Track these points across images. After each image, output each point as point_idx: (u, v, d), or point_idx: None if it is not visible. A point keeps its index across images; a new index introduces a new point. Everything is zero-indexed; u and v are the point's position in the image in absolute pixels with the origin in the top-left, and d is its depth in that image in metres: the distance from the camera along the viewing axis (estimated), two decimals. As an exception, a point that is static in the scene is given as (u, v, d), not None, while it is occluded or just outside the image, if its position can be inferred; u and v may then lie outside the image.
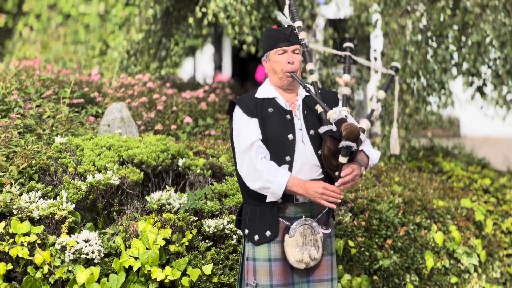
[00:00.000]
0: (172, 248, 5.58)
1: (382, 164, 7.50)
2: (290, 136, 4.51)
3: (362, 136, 4.64)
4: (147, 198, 5.90)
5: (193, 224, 5.71)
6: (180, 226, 5.67)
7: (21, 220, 5.60)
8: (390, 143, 5.06)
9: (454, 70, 7.93)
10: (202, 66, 21.57)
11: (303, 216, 4.56)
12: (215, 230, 5.68)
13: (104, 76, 10.27)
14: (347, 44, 5.00)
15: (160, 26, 9.77)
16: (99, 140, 6.47)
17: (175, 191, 6.17)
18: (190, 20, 8.91)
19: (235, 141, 4.58)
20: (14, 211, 5.64)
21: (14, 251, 5.45)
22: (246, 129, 4.52)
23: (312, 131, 4.56)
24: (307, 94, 4.67)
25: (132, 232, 5.68)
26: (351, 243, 6.09)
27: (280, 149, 4.51)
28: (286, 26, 4.75)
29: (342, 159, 4.40)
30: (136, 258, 5.52)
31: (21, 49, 13.56)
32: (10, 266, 5.46)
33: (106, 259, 5.55)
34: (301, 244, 4.52)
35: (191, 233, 5.66)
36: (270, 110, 4.56)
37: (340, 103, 4.76)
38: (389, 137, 7.43)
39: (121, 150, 6.34)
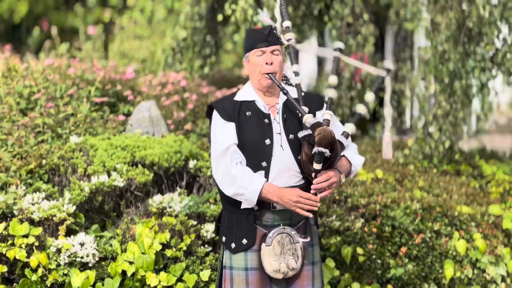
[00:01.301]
0: (169, 252, 5.46)
1: (412, 167, 7.20)
2: (267, 141, 4.33)
3: (345, 141, 4.44)
4: (150, 201, 5.80)
5: (192, 229, 5.58)
6: (179, 230, 5.55)
7: (22, 221, 5.58)
8: (382, 147, 4.79)
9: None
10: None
11: (281, 224, 4.38)
12: (213, 235, 5.54)
13: (155, 73, 10.22)
14: (337, 44, 4.77)
15: (205, 23, 9.66)
16: (115, 140, 6.40)
17: (188, 194, 6.06)
18: (219, 17, 8.77)
19: (211, 145, 4.43)
20: (16, 212, 5.62)
21: (11, 253, 5.41)
22: (222, 133, 4.37)
23: (291, 136, 4.36)
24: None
25: (131, 235, 5.59)
26: (359, 250, 5.85)
27: (256, 154, 4.33)
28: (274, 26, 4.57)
29: (316, 166, 4.20)
30: (131, 263, 5.42)
31: (122, 43, 13.41)
32: (4, 268, 5.43)
33: (103, 263, 5.47)
34: (278, 253, 4.34)
35: (189, 237, 5.53)
36: (248, 113, 4.39)
37: (325, 106, 4.55)
38: (424, 139, 7.17)
39: (136, 151, 6.25)
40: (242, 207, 4.32)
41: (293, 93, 4.50)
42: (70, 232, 5.66)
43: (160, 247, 5.44)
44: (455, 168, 7.62)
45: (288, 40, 4.70)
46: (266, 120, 4.37)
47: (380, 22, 8.97)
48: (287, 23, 4.79)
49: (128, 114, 7.68)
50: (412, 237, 6.08)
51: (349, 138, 4.55)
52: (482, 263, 6.30)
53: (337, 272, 5.77)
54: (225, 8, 8.24)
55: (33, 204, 5.66)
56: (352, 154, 4.47)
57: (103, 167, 6.08)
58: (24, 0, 18.71)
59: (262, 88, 4.43)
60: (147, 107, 7.19)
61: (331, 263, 5.77)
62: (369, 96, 4.62)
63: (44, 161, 6.10)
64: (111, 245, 5.52)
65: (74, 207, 5.68)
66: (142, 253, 5.44)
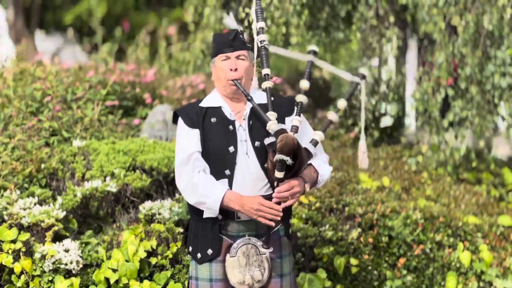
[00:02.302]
0: (154, 260, 5.37)
1: (425, 175, 6.97)
2: (231, 148, 4.20)
3: (313, 149, 4.27)
4: (140, 207, 5.72)
5: (180, 236, 5.48)
6: (166, 238, 5.45)
7: (12, 226, 5.56)
8: (358, 156, 4.62)
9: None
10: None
11: (247, 235, 4.24)
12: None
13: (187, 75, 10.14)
14: (311, 47, 4.60)
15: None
16: (118, 145, 6.35)
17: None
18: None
19: (175, 153, 4.33)
20: (6, 217, 5.60)
21: (-2, 259, 5.41)
22: (185, 140, 4.25)
23: (257, 143, 4.22)
24: (259, 102, 4.34)
25: (118, 242, 5.51)
26: (353, 261, 5.66)
27: (220, 162, 4.20)
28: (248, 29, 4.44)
29: (278, 174, 4.04)
30: (115, 270, 5.35)
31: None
32: (-13, 273, 5.42)
33: (89, 270, 5.41)
34: (243, 265, 4.20)
35: (176, 245, 5.43)
36: (213, 120, 4.27)
37: (295, 111, 4.39)
38: (440, 147, 6.93)
39: (138, 155, 6.18)
40: (204, 216, 4.19)
41: (264, 97, 4.37)
42: (61, 238, 5.61)
43: (145, 254, 5.35)
44: (475, 176, 7.35)
45: (261, 42, 4.55)
46: (231, 127, 4.24)
47: (406, 25, 8.72)
48: (261, 24, 4.64)
49: (145, 118, 7.64)
50: (411, 248, 5.87)
51: (320, 146, 4.38)
52: (488, 275, 6.05)
53: (328, 283, 5.60)
54: (239, 12, 8.14)
55: (24, 209, 5.63)
56: (320, 163, 4.30)
57: (101, 172, 6.03)
58: (103, 1, 18.84)
59: (228, 94, 4.30)
60: (162, 111, 7.14)
61: (322, 274, 5.59)
62: (341, 103, 4.45)
63: (43, 165, 6.07)
64: (96, 252, 5.45)
65: (64, 212, 5.63)
66: (126, 260, 5.35)
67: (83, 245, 5.51)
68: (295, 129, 4.26)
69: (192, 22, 9.89)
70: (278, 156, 3.99)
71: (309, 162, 4.26)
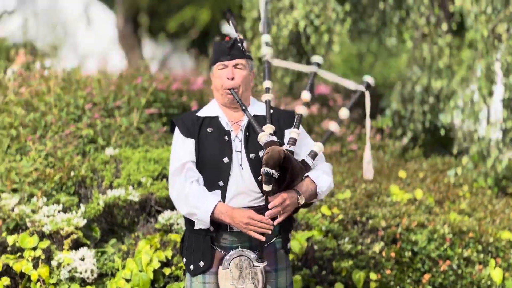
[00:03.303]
0: (167, 271, 5.33)
1: (465, 187, 6.72)
2: (226, 159, 4.13)
3: (311, 161, 4.17)
4: (159, 216, 5.69)
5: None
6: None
7: (33, 233, 5.60)
8: (363, 166, 4.47)
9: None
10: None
11: (240, 247, 4.16)
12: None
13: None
14: (315, 58, 4.49)
15: (288, 31, 9.38)
16: (151, 153, 6.35)
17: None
18: (274, 29, 8.54)
19: (170, 162, 4.29)
20: (29, 225, 5.66)
21: (18, 266, 5.44)
22: (180, 150, 4.22)
23: (252, 155, 4.14)
24: (257, 113, 4.26)
25: (135, 252, 5.50)
26: (373, 275, 5.48)
27: (214, 173, 4.14)
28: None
29: (265, 187, 3.95)
30: (128, 280, 5.33)
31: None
32: (7, 280, 5.46)
33: (105, 279, 5.40)
34: (236, 277, 4.12)
35: (191, 256, 5.36)
36: (209, 130, 4.21)
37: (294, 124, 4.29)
38: (479, 158, 6.69)
39: (168, 164, 6.16)
40: (195, 227, 4.15)
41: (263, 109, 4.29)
42: (83, 246, 5.63)
43: (158, 264, 5.31)
44: (524, 189, 7.06)
45: (264, 55, 4.49)
46: (226, 137, 4.18)
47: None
48: (266, 38, 4.56)
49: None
50: (437, 264, 5.65)
51: (322, 156, 4.27)
52: (521, 294, 5.78)
53: (347, 298, 5.46)
54: (280, 19, 8.05)
55: (48, 217, 5.67)
56: (319, 174, 4.18)
57: (128, 180, 6.04)
58: (206, 8, 18.99)
59: (225, 104, 4.23)
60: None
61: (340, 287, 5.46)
62: (344, 113, 4.33)
63: (72, 173, 6.11)
64: (112, 261, 5.45)
65: (85, 221, 5.64)
66: (140, 270, 5.32)
67: (99, 254, 5.51)
68: (293, 141, 4.17)
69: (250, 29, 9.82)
70: (264, 169, 3.90)
71: (306, 174, 4.15)
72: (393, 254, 5.59)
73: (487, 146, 6.82)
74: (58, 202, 5.87)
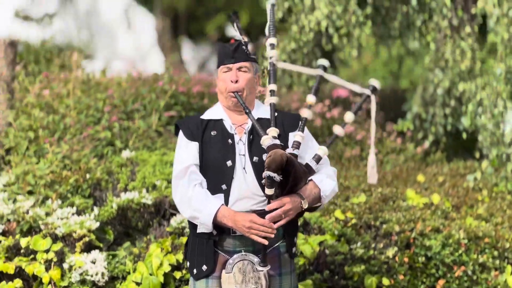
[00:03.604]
0: (178, 274, 5.31)
1: (484, 192, 6.61)
2: (229, 163, 4.10)
3: (315, 165, 4.12)
4: (172, 220, 5.68)
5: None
6: (194, 251, 5.38)
7: (46, 236, 5.62)
8: (367, 171, 4.40)
9: None
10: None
11: (243, 251, 4.12)
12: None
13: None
14: (321, 61, 4.44)
15: (313, 34, 9.32)
16: (167, 156, 6.35)
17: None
18: (295, 28, 8.48)
19: (173, 165, 4.27)
20: (42, 227, 5.68)
21: (30, 268, 5.46)
22: (183, 153, 4.19)
23: (256, 158, 4.10)
24: (261, 117, 4.23)
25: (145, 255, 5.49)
26: (385, 281, 5.42)
27: (217, 176, 4.11)
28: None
29: (267, 191, 3.91)
30: (139, 283, 5.32)
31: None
32: (19, 283, 5.48)
33: (116, 282, 5.40)
34: (240, 281, 4.08)
35: (203, 259, 5.34)
36: (213, 133, 4.18)
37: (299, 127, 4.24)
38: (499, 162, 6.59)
39: (187, 166, 6.14)
40: (198, 231, 4.11)
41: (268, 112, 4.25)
42: (95, 249, 5.64)
43: (169, 268, 5.30)
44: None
45: (270, 58, 4.44)
46: (230, 141, 4.14)
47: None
48: (272, 40, 4.52)
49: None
50: (452, 270, 5.57)
51: (326, 160, 4.22)
52: (539, 300, 5.67)
53: (359, 303, 5.40)
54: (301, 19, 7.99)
55: (61, 219, 5.69)
56: (323, 178, 4.13)
57: (143, 183, 6.04)
58: (245, 11, 18.95)
59: (229, 107, 4.20)
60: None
61: (352, 292, 5.41)
62: (349, 116, 4.27)
63: (88, 175, 6.13)
64: (123, 264, 5.44)
65: (97, 223, 5.65)
66: (151, 274, 5.31)
67: (110, 257, 5.51)
68: (297, 145, 4.13)
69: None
70: (265, 173, 3.87)
71: (310, 177, 4.10)
72: (406, 259, 5.53)
73: (507, 150, 6.71)
74: (72, 204, 5.88)
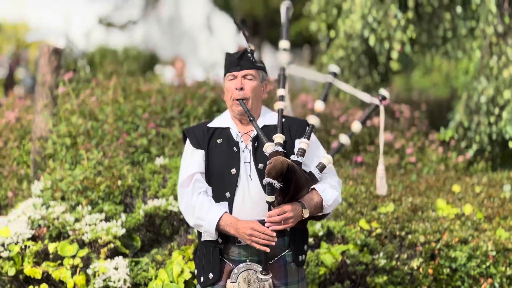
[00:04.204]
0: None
1: (520, 202, 6.43)
2: (233, 170, 4.10)
3: (318, 173, 4.09)
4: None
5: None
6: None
7: (74, 242, 5.69)
8: (376, 182, 4.33)
9: None
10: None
11: (248, 260, 4.11)
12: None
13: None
14: (332, 68, 4.40)
15: (359, 41, 9.21)
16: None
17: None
18: (332, 34, 8.39)
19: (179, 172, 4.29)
20: (70, 233, 5.75)
21: (57, 273, 5.53)
22: (189, 161, 4.21)
23: (261, 165, 4.09)
24: (268, 123, 4.21)
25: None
26: (407, 292, 5.33)
27: (222, 184, 4.12)
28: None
29: (268, 198, 3.90)
30: (159, 291, 5.34)
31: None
32: (45, 287, 5.56)
33: (141, 288, 5.44)
34: (244, 291, 4.08)
35: (225, 267, 5.34)
36: (219, 141, 4.19)
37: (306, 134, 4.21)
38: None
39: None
40: (202, 239, 4.14)
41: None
42: (122, 256, 5.68)
43: (190, 275, 5.30)
44: None
45: (281, 62, 4.43)
46: (235, 148, 4.14)
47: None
48: (284, 44, 4.50)
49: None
50: (478, 282, 5.43)
51: (333, 170, 4.18)
52: None
53: (381, 314, 5.31)
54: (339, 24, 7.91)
55: (89, 225, 5.75)
56: (325, 188, 4.09)
57: (173, 190, 6.07)
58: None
59: (235, 114, 4.20)
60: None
61: (374, 304, 5.32)
62: (356, 126, 4.22)
63: (119, 182, 6.18)
64: (146, 271, 5.47)
65: (124, 230, 5.69)
66: (171, 281, 5.33)
67: (133, 263, 5.54)
68: (301, 152, 4.10)
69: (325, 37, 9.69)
70: (266, 180, 3.85)
71: (313, 186, 4.07)
72: (430, 271, 5.42)
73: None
74: (101, 211, 5.94)
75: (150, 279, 5.41)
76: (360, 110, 8.24)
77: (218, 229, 4.02)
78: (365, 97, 4.32)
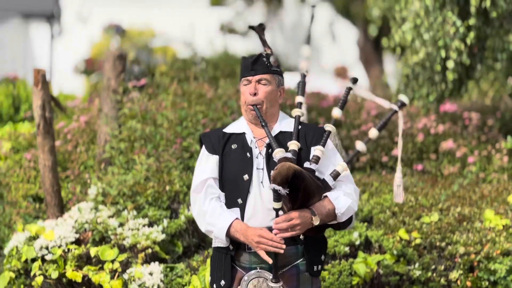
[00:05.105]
0: (230, 289, 5.27)
1: None
2: (246, 177, 4.05)
3: (331, 181, 4.00)
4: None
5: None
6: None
7: (114, 246, 5.75)
8: (393, 190, 4.19)
9: None
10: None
11: (258, 267, 4.05)
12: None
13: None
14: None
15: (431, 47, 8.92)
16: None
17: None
18: (385, 43, 8.18)
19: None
20: (112, 237, 5.82)
21: (96, 278, 5.61)
22: (203, 166, 4.18)
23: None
24: (284, 130, 4.15)
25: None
26: (444, 305, 5.15)
27: (234, 190, 4.07)
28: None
29: (274, 204, 3.84)
30: (191, 297, 5.34)
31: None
32: (86, 291, 5.64)
33: (174, 295, 5.45)
34: (254, 299, 4.02)
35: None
36: (233, 146, 4.15)
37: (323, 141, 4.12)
38: None
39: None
40: (213, 245, 4.11)
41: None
42: (162, 261, 5.72)
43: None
44: None
45: (301, 68, 4.36)
46: (248, 154, 4.09)
47: None
48: (306, 50, 4.43)
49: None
50: (520, 296, 5.22)
51: (349, 177, 4.08)
52: None
53: (415, 327, 5.15)
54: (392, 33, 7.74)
55: (132, 230, 5.80)
56: (339, 195, 3.99)
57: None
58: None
59: (250, 120, 4.16)
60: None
61: (408, 316, 5.17)
62: (373, 132, 4.10)
63: (167, 188, 6.22)
64: (180, 277, 5.48)
65: (164, 235, 5.72)
66: (203, 287, 5.32)
67: (168, 269, 5.56)
68: (315, 159, 4.01)
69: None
70: (271, 186, 3.79)
71: (325, 194, 3.98)
72: (469, 283, 5.23)
73: None
74: (146, 216, 5.99)
75: (184, 285, 5.41)
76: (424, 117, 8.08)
77: (228, 235, 3.98)
78: (384, 103, 4.19)
